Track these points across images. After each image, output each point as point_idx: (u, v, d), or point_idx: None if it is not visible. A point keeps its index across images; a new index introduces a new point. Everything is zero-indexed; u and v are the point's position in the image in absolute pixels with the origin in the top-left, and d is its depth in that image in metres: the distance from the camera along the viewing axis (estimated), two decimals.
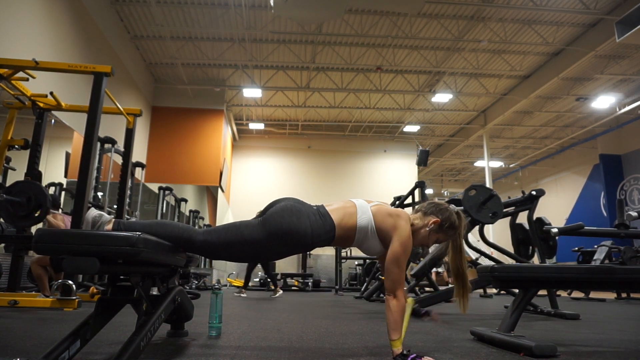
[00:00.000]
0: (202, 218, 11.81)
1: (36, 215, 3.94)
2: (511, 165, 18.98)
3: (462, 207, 3.80)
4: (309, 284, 10.07)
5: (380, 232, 1.72)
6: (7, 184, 5.03)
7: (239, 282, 11.93)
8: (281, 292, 6.95)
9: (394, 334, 1.59)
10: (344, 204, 1.78)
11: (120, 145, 5.72)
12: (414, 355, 1.54)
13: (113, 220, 1.63)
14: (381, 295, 5.35)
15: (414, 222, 1.78)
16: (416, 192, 6.53)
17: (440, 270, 9.49)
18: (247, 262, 6.46)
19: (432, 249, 4.04)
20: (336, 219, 1.71)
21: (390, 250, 1.67)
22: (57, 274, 4.14)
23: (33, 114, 4.57)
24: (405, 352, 1.56)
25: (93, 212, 1.62)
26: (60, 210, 4.57)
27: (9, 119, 4.60)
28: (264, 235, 1.63)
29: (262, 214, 1.76)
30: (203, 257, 10.51)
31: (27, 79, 4.25)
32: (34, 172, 4.34)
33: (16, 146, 4.54)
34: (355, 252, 10.82)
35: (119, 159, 5.81)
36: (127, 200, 5.59)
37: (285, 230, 1.62)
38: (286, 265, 14.08)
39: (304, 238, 1.64)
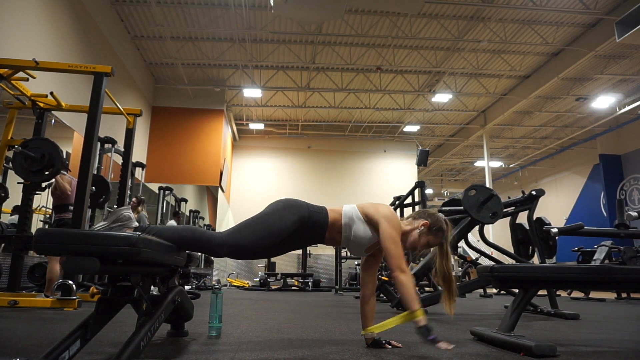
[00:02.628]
0: (202, 218, 11.81)
1: (47, 173, 4.01)
2: (511, 165, 18.98)
3: (461, 207, 3.80)
4: (309, 284, 10.07)
5: (365, 215, 1.85)
6: (7, 184, 5.04)
7: (239, 282, 11.94)
8: None
9: (414, 305, 1.64)
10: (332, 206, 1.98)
11: (120, 145, 5.72)
12: (434, 336, 1.59)
13: (134, 227, 1.66)
14: (381, 295, 5.34)
15: (405, 226, 1.90)
16: (416, 192, 6.53)
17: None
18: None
19: (432, 249, 4.04)
20: (328, 208, 1.92)
21: (381, 231, 1.79)
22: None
23: (33, 114, 4.57)
24: (428, 327, 1.61)
25: (126, 212, 1.66)
26: (69, 172, 4.53)
27: (9, 119, 4.60)
28: (268, 210, 1.80)
29: None
30: (203, 257, 10.54)
31: (27, 79, 4.25)
32: None
33: (16, 146, 4.53)
34: None
35: (119, 159, 5.81)
36: (127, 200, 5.60)
37: (284, 203, 1.83)
38: (286, 265, 14.08)
39: (301, 208, 1.82)
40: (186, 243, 1.70)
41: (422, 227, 1.86)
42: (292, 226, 1.79)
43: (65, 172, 4.32)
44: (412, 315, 1.63)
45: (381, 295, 5.81)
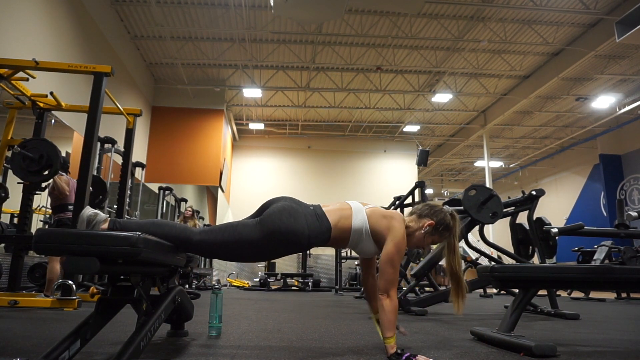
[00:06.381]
0: (202, 218, 11.81)
1: (45, 173, 4.00)
2: (511, 165, 18.97)
3: (461, 207, 3.80)
4: (309, 284, 10.07)
5: (375, 234, 1.75)
6: (7, 184, 5.04)
7: (239, 282, 11.94)
8: None
9: (388, 332, 1.62)
10: (340, 206, 1.81)
11: (120, 145, 5.72)
12: (408, 354, 1.56)
13: (109, 219, 1.62)
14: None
15: (409, 224, 1.81)
16: (416, 192, 6.53)
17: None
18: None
19: (433, 247, 4.04)
20: (332, 220, 1.74)
21: (385, 251, 1.70)
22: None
23: (33, 114, 4.57)
24: (399, 351, 1.58)
25: (88, 210, 1.62)
26: (68, 174, 4.51)
27: (9, 119, 4.60)
28: (261, 235, 1.65)
29: (258, 213, 1.78)
30: (203, 257, 10.55)
31: (27, 79, 4.25)
32: None
33: (15, 146, 4.53)
34: None
35: (119, 159, 5.81)
36: (127, 200, 5.59)
37: (283, 231, 1.64)
38: (286, 265, 14.08)
39: (300, 238, 1.67)
40: (165, 239, 1.63)
41: (427, 227, 1.77)
42: (282, 254, 1.74)
43: (63, 173, 4.31)
44: (385, 341, 1.63)
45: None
